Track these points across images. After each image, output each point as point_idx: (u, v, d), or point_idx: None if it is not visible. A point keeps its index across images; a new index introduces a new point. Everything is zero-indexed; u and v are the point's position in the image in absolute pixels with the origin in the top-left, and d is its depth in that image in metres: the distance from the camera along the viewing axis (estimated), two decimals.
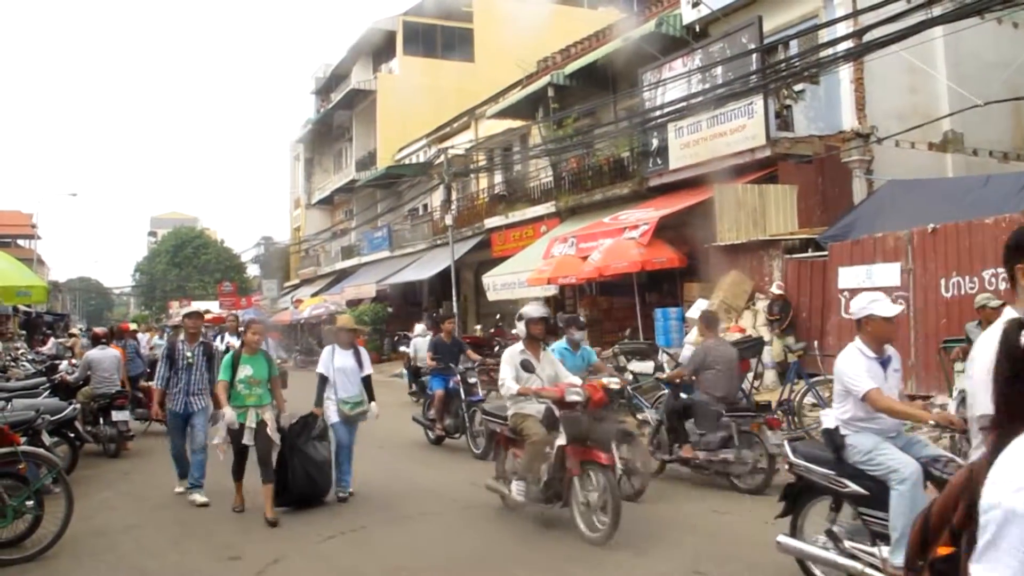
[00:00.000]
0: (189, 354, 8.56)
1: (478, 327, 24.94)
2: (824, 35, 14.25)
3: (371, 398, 8.65)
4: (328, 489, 8.21)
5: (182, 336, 8.91)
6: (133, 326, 18.94)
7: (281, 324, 34.56)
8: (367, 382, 8.69)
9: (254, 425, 7.62)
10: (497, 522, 7.44)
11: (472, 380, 11.34)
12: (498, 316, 24.33)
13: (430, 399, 11.80)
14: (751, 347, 10.50)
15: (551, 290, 20.06)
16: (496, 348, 20.52)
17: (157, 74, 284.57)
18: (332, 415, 8.39)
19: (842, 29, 13.66)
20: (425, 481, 9.40)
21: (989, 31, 14.71)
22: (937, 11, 11.22)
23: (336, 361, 8.52)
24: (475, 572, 6.26)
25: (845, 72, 14.96)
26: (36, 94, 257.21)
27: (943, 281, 11.04)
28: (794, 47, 15.71)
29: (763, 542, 5.75)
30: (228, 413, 7.57)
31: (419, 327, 18.46)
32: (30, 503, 6.55)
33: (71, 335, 23.19)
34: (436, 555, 6.49)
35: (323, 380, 8.44)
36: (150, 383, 11.98)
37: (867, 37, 12.00)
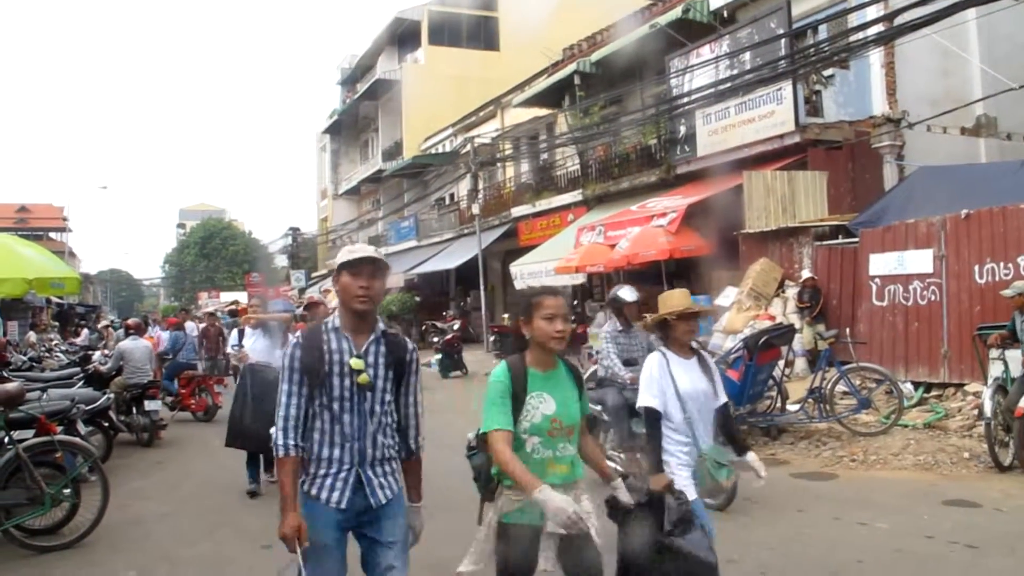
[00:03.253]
0: (357, 360, 3.45)
1: (505, 316, 24.94)
2: (854, 19, 14.07)
3: (741, 447, 4.48)
4: None
5: (333, 321, 3.56)
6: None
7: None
8: (725, 416, 4.55)
9: (562, 530, 3.34)
10: None
11: None
12: None
13: None
14: (782, 335, 10.39)
15: (579, 278, 20.03)
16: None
17: (185, 67, 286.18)
18: (688, 488, 4.22)
19: (872, 12, 13.48)
20: None
21: (1023, 13, 14.45)
22: None
23: (679, 379, 4.35)
24: None
25: (875, 56, 14.76)
26: (67, 89, 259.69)
27: (977, 268, 10.87)
28: (823, 31, 15.54)
29: None
30: (552, 500, 3.20)
31: None
32: (67, 491, 6.64)
33: (107, 326, 23.53)
34: None
35: (657, 420, 4.34)
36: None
37: (898, 20, 11.82)
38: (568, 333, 3.60)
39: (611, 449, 7.45)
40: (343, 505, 3.38)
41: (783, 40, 15.01)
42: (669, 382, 4.33)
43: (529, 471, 3.35)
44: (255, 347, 8.60)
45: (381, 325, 3.60)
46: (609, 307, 7.93)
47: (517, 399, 3.49)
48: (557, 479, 3.46)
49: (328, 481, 3.40)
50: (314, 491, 3.40)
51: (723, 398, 4.49)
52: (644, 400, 4.38)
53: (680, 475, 4.22)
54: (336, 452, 3.42)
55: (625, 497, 3.69)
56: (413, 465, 3.66)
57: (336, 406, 3.42)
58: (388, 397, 3.53)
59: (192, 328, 17.22)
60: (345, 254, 3.53)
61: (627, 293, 7.61)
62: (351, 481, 3.41)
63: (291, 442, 3.37)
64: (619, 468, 5.54)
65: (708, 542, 3.91)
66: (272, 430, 3.43)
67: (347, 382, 3.43)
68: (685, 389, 4.31)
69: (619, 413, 7.16)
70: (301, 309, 9.95)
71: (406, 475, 3.62)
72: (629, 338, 7.60)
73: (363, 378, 3.43)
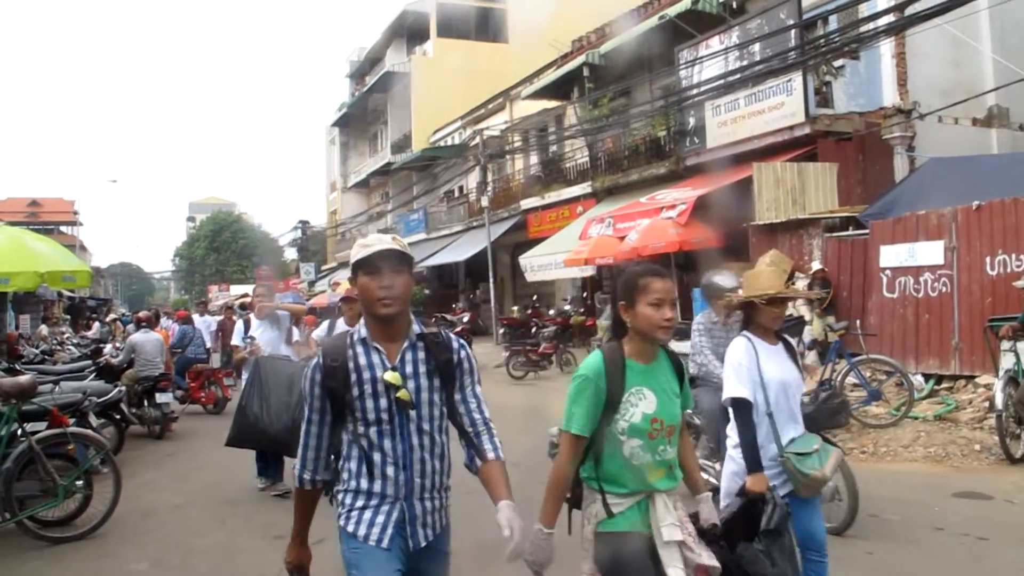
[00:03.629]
0: (392, 374, 2.81)
1: (515, 308, 24.96)
2: (864, 9, 14.00)
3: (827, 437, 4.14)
4: None
5: (359, 331, 2.91)
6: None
7: (319, 307, 34.79)
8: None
9: (678, 535, 2.99)
10: None
11: None
12: (535, 297, 24.35)
13: None
14: (791, 327, 10.40)
15: (588, 271, 20.03)
16: (534, 329, 20.60)
17: (195, 61, 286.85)
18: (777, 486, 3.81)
19: (883, 3, 13.44)
20: None
21: None
22: None
23: (764, 367, 3.88)
24: None
25: (886, 47, 14.70)
26: (78, 84, 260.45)
27: (988, 259, 10.80)
28: (833, 22, 15.46)
29: None
30: (521, 544, 2.70)
31: None
32: (80, 483, 6.68)
33: (115, 320, 23.68)
34: None
35: (750, 412, 3.84)
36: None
37: (909, 10, 11.77)
38: (676, 321, 3.08)
39: (703, 459, 6.46)
40: (384, 544, 2.81)
41: (793, 31, 14.96)
42: (756, 371, 3.83)
43: (555, 512, 2.99)
44: (261, 338, 8.18)
45: (417, 326, 2.93)
46: (705, 295, 6.82)
47: (612, 398, 2.97)
48: (662, 485, 3.02)
49: (367, 516, 2.85)
50: (351, 527, 2.85)
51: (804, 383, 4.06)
52: (733, 390, 3.83)
53: (769, 475, 3.76)
54: (377, 485, 2.84)
55: (708, 514, 3.18)
56: (495, 467, 2.88)
57: (373, 432, 2.83)
58: (437, 412, 2.89)
59: (211, 323, 17.20)
60: (359, 250, 2.87)
61: (726, 279, 6.43)
62: (395, 516, 2.84)
63: (307, 476, 2.95)
64: (712, 481, 5.06)
65: (795, 563, 3.48)
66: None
67: (383, 402, 2.81)
68: (773, 378, 3.84)
69: (714, 417, 6.19)
70: (338, 300, 9.50)
71: (489, 479, 2.85)
72: (726, 330, 6.39)
73: (403, 394, 2.81)
